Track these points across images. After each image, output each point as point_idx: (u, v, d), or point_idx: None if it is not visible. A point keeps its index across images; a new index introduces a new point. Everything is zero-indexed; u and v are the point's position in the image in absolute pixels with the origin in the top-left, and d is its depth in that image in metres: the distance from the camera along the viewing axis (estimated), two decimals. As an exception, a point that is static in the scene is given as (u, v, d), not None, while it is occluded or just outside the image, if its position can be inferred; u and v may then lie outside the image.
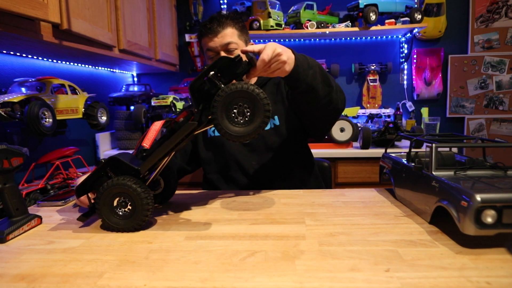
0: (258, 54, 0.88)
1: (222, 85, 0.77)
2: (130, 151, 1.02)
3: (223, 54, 1.21)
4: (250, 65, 0.83)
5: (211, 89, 0.79)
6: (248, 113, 0.76)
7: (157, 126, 0.86)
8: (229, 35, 1.21)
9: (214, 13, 1.27)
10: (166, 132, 0.87)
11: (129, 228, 0.81)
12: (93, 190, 0.87)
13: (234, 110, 0.76)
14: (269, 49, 0.87)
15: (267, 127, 1.26)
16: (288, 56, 0.93)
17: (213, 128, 1.31)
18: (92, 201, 0.88)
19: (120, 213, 0.81)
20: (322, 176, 1.56)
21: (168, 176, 1.01)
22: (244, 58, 0.83)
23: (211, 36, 1.21)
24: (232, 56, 0.81)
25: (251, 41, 1.35)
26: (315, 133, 1.29)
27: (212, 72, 0.77)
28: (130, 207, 0.80)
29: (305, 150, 1.34)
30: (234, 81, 0.80)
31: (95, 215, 0.87)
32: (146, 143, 0.84)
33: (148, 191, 0.80)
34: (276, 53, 0.89)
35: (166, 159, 0.86)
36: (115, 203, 0.80)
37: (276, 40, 2.68)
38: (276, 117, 1.26)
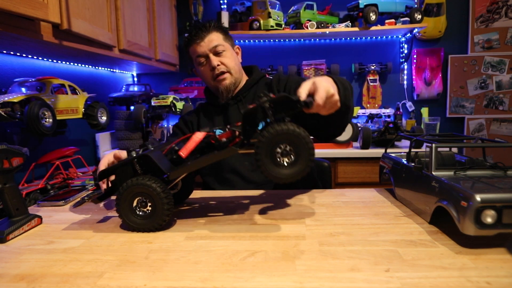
0: (310, 94, 0.85)
1: (272, 118, 0.76)
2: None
3: (212, 56, 1.25)
4: (306, 107, 0.81)
5: (261, 117, 0.78)
6: (292, 155, 0.75)
7: (198, 137, 0.85)
8: (215, 38, 1.26)
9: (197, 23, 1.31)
10: (203, 144, 0.86)
11: (148, 228, 0.80)
12: (113, 174, 0.87)
13: (278, 150, 0.75)
14: (322, 92, 0.83)
15: (259, 127, 1.26)
16: (335, 90, 0.90)
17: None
18: (109, 184, 0.88)
19: (140, 213, 0.81)
20: (322, 176, 1.56)
21: (186, 177, 1.01)
22: (303, 97, 0.82)
23: (198, 41, 1.25)
24: (290, 98, 0.77)
25: (236, 43, 1.36)
26: (327, 138, 1.26)
27: (267, 105, 0.76)
28: (150, 208, 0.80)
29: None
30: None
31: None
32: (183, 153, 0.84)
33: (169, 192, 0.80)
34: (330, 94, 0.86)
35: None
36: (135, 203, 0.81)
37: (276, 40, 2.68)
38: None
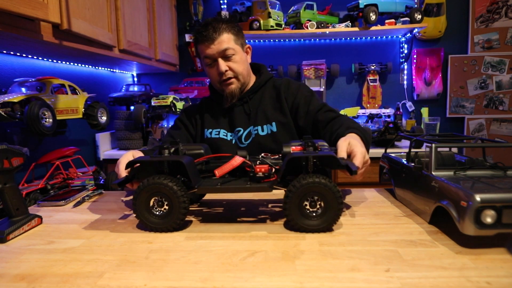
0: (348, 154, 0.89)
1: (311, 170, 0.79)
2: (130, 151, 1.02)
3: (220, 61, 1.21)
4: (347, 170, 0.83)
5: (302, 165, 0.81)
6: (320, 207, 0.78)
7: (236, 162, 0.86)
8: (226, 41, 1.21)
9: (209, 18, 1.24)
10: (237, 169, 0.87)
11: (166, 227, 0.80)
12: (139, 164, 0.87)
13: (307, 201, 0.78)
14: (360, 157, 0.87)
15: (264, 133, 1.26)
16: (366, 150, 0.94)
17: (210, 130, 1.31)
18: (132, 172, 0.88)
19: (157, 212, 0.81)
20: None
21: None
22: (345, 157, 0.86)
23: (207, 43, 1.20)
24: (337, 160, 0.80)
25: (247, 42, 1.34)
26: None
27: (312, 158, 0.79)
28: (166, 207, 0.80)
29: None
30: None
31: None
32: (218, 172, 0.85)
33: (186, 191, 0.80)
34: (366, 159, 0.91)
35: None
36: (151, 202, 0.81)
37: (276, 40, 2.68)
38: (274, 123, 1.26)
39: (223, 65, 1.21)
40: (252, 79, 1.34)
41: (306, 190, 0.76)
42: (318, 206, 0.78)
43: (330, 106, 1.26)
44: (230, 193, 0.84)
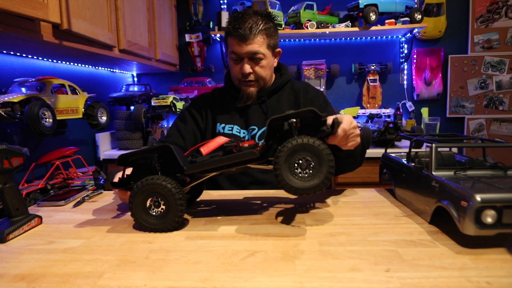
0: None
1: (296, 134, 0.77)
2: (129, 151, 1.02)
3: (246, 63, 1.19)
4: (331, 130, 0.82)
5: (286, 132, 0.80)
6: (311, 169, 0.75)
7: (221, 140, 0.87)
8: (258, 44, 1.17)
9: (248, 11, 1.19)
10: (223, 152, 0.87)
11: (166, 227, 0.80)
12: (132, 166, 0.87)
13: (297, 162, 0.76)
14: (347, 120, 0.87)
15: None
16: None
17: (223, 125, 1.28)
18: (125, 176, 0.88)
19: (154, 213, 0.81)
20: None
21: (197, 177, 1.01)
22: (329, 120, 0.83)
23: (239, 41, 1.16)
24: (317, 112, 0.78)
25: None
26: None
27: (294, 120, 0.78)
28: (163, 207, 0.80)
29: None
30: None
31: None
32: (204, 150, 0.85)
33: (182, 189, 0.80)
34: (353, 125, 0.90)
35: (212, 174, 0.87)
36: (148, 203, 0.81)
37: (276, 40, 2.68)
38: None
39: (247, 67, 1.19)
40: (272, 78, 1.32)
41: (294, 151, 0.73)
42: (309, 168, 0.74)
43: None
44: (219, 165, 0.81)
